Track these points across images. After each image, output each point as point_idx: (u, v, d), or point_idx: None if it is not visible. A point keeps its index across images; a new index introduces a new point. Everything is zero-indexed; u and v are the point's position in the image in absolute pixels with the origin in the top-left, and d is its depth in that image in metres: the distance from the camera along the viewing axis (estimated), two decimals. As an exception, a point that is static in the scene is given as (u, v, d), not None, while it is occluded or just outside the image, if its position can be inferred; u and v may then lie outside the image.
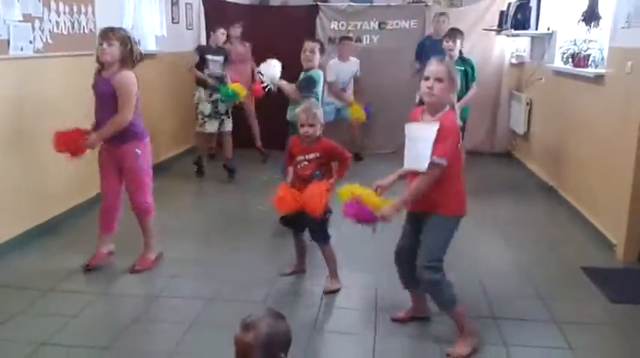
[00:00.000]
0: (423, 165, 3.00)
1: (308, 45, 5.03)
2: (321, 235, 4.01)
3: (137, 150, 4.09)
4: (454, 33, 6.19)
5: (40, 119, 4.87)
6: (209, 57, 6.85)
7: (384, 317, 3.56)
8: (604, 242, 4.77)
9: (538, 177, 6.86)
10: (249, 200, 5.90)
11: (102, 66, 4.03)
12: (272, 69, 5.04)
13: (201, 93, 6.83)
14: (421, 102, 3.25)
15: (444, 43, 6.17)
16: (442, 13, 7.61)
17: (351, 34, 8.20)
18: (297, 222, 3.98)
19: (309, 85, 4.94)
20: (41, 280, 4.02)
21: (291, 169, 4.01)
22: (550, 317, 3.61)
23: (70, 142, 4.05)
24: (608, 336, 3.47)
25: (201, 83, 6.82)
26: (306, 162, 3.92)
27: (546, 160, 6.72)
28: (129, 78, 4.00)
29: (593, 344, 3.34)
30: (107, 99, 4.00)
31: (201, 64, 6.83)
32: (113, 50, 3.94)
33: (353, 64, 7.82)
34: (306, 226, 4.02)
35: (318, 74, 5.03)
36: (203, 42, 8.19)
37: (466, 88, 5.99)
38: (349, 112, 7.58)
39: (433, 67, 3.04)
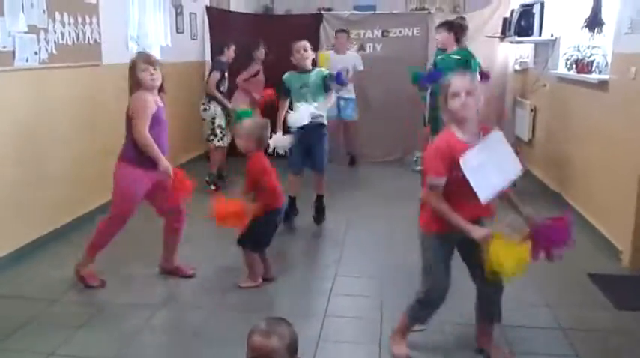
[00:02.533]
0: (517, 170, 3.02)
1: (301, 44, 5.18)
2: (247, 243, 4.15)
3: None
4: (447, 24, 6.22)
5: (47, 129, 4.90)
6: (226, 74, 6.96)
7: (390, 326, 3.55)
8: (610, 248, 4.76)
9: (543, 183, 6.85)
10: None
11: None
12: (283, 141, 5.18)
13: (216, 107, 6.86)
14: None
15: (436, 35, 6.20)
16: (438, 26, 7.62)
17: (346, 27, 8.26)
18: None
19: (328, 84, 5.23)
20: (48, 290, 4.04)
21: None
22: (556, 324, 3.60)
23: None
24: (614, 343, 3.45)
25: (216, 101, 6.85)
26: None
27: (551, 167, 6.71)
28: None
29: (599, 351, 3.33)
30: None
31: (219, 82, 6.87)
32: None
33: (350, 58, 7.85)
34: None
35: (321, 72, 5.29)
36: (207, 54, 8.29)
37: None
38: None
39: (459, 82, 2.92)
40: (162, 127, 4.01)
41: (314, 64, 5.38)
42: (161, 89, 4.06)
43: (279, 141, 5.13)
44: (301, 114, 5.06)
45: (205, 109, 6.89)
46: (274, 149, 5.09)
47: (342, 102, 7.82)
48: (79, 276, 4.13)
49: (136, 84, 3.94)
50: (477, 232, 2.87)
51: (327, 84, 5.22)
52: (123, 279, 4.25)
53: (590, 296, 4.02)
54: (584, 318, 3.69)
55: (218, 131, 6.90)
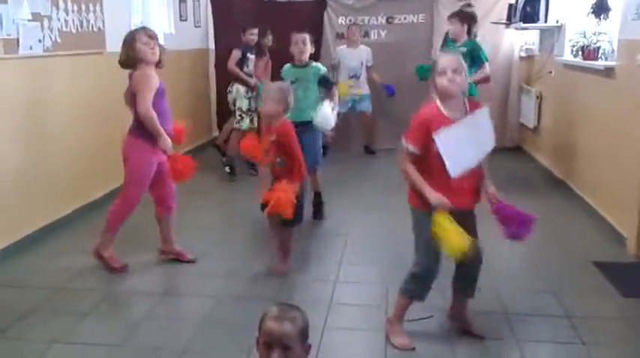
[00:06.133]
0: (491, 145, 3.05)
1: (300, 37, 5.01)
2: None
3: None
4: (459, 14, 6.11)
5: (50, 117, 4.89)
6: (249, 55, 6.92)
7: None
8: (615, 236, 4.74)
9: (549, 171, 6.83)
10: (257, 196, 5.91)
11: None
12: (328, 117, 4.83)
13: (239, 90, 6.82)
14: None
15: (449, 25, 6.11)
16: (451, 15, 7.60)
17: (352, 16, 8.33)
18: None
19: (328, 81, 5.03)
20: (51, 279, 4.04)
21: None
22: (562, 312, 3.59)
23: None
24: (620, 331, 3.45)
25: (240, 80, 6.83)
26: (271, 145, 3.99)
27: (557, 154, 6.69)
28: None
29: (605, 339, 3.32)
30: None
31: (241, 62, 6.87)
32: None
33: (362, 52, 7.89)
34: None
35: (318, 69, 5.10)
36: (211, 41, 8.29)
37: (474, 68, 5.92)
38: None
39: (445, 59, 3.01)
40: (165, 103, 4.05)
41: (312, 57, 5.19)
42: (158, 65, 4.06)
43: None
44: (325, 114, 4.74)
45: (229, 92, 6.91)
46: None
47: (356, 98, 7.89)
48: (102, 259, 4.18)
49: (133, 58, 3.94)
50: (432, 196, 2.94)
51: (326, 83, 5.04)
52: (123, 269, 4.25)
53: (595, 283, 4.01)
54: (589, 306, 3.68)
55: (237, 113, 6.87)
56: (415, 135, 3.00)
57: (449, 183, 2.95)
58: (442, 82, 2.96)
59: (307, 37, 5.04)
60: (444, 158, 2.91)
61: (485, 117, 3.06)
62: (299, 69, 5.05)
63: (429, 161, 2.99)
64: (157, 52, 3.98)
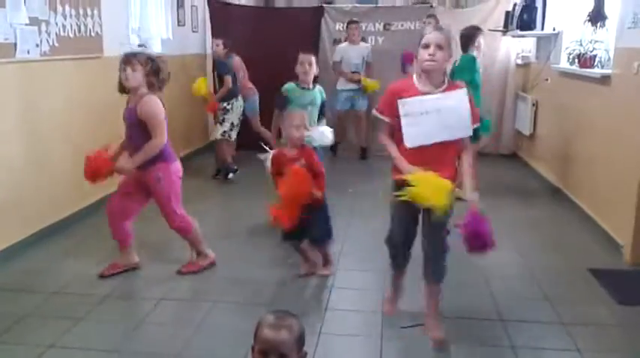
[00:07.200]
0: (466, 131, 3.09)
1: (306, 57, 4.75)
2: (324, 233, 4.16)
3: (159, 174, 4.00)
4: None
5: (47, 122, 4.89)
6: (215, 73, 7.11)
7: (391, 319, 3.56)
8: (611, 243, 4.76)
9: (544, 178, 6.84)
10: (255, 203, 5.91)
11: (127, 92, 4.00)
12: (324, 137, 4.63)
13: (241, 103, 7.06)
14: None
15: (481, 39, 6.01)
16: (428, 16, 7.73)
17: (357, 19, 8.29)
18: (300, 233, 4.02)
19: (324, 106, 4.92)
20: (48, 283, 4.04)
21: None
22: (557, 319, 3.60)
23: (95, 169, 4.07)
24: (615, 338, 3.45)
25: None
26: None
27: (553, 161, 6.70)
28: (152, 101, 3.93)
29: (600, 347, 3.33)
30: (134, 127, 3.95)
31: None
32: (137, 75, 3.89)
33: (363, 49, 8.03)
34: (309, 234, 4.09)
35: (321, 93, 4.91)
36: (208, 46, 8.31)
37: None
38: (363, 90, 7.94)
39: (433, 34, 3.03)
40: (127, 128, 4.04)
41: (315, 80, 4.86)
42: (151, 87, 3.98)
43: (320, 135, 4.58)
44: (327, 134, 4.59)
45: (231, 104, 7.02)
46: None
47: (352, 94, 8.04)
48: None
49: None
50: (404, 166, 3.06)
51: (323, 108, 4.87)
52: (123, 273, 4.25)
53: (591, 290, 4.02)
54: (585, 313, 3.69)
55: (228, 125, 6.98)
56: (385, 104, 3.14)
57: (419, 154, 3.05)
58: (423, 55, 3.00)
59: (313, 58, 4.78)
60: (402, 124, 3.03)
61: (460, 99, 3.06)
62: (308, 91, 4.79)
63: (400, 131, 3.08)
64: (129, 77, 3.88)
